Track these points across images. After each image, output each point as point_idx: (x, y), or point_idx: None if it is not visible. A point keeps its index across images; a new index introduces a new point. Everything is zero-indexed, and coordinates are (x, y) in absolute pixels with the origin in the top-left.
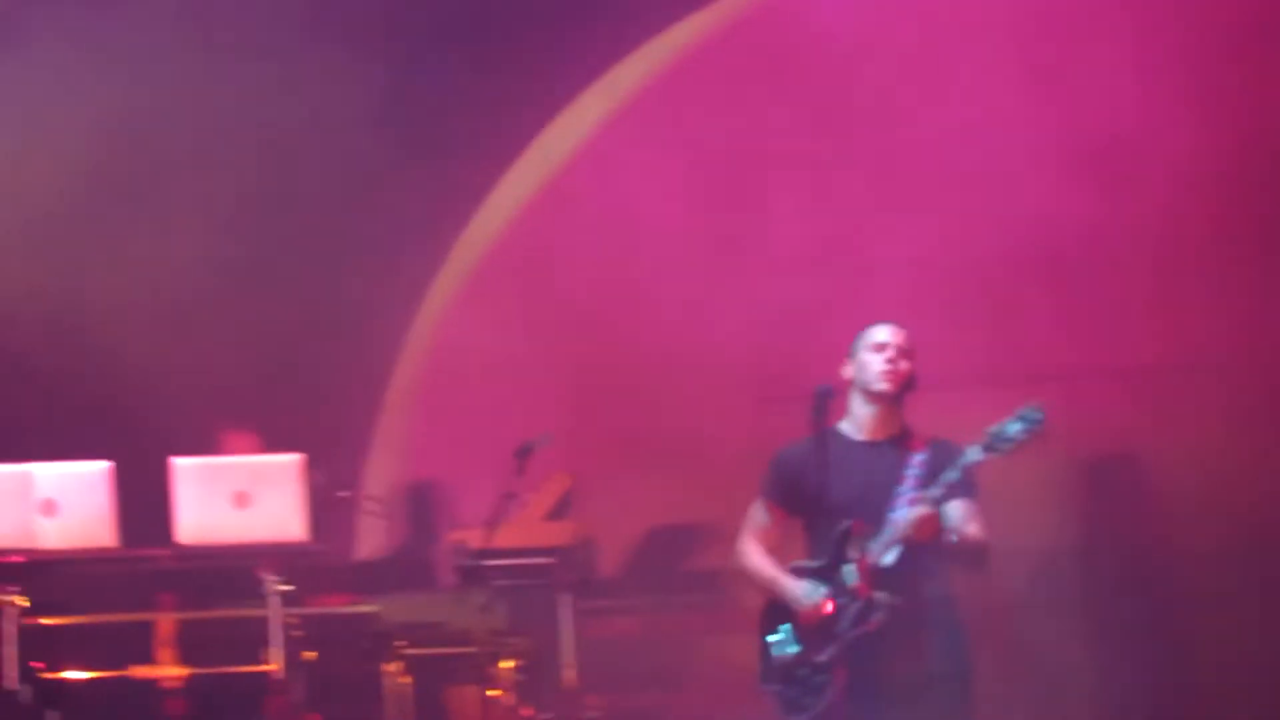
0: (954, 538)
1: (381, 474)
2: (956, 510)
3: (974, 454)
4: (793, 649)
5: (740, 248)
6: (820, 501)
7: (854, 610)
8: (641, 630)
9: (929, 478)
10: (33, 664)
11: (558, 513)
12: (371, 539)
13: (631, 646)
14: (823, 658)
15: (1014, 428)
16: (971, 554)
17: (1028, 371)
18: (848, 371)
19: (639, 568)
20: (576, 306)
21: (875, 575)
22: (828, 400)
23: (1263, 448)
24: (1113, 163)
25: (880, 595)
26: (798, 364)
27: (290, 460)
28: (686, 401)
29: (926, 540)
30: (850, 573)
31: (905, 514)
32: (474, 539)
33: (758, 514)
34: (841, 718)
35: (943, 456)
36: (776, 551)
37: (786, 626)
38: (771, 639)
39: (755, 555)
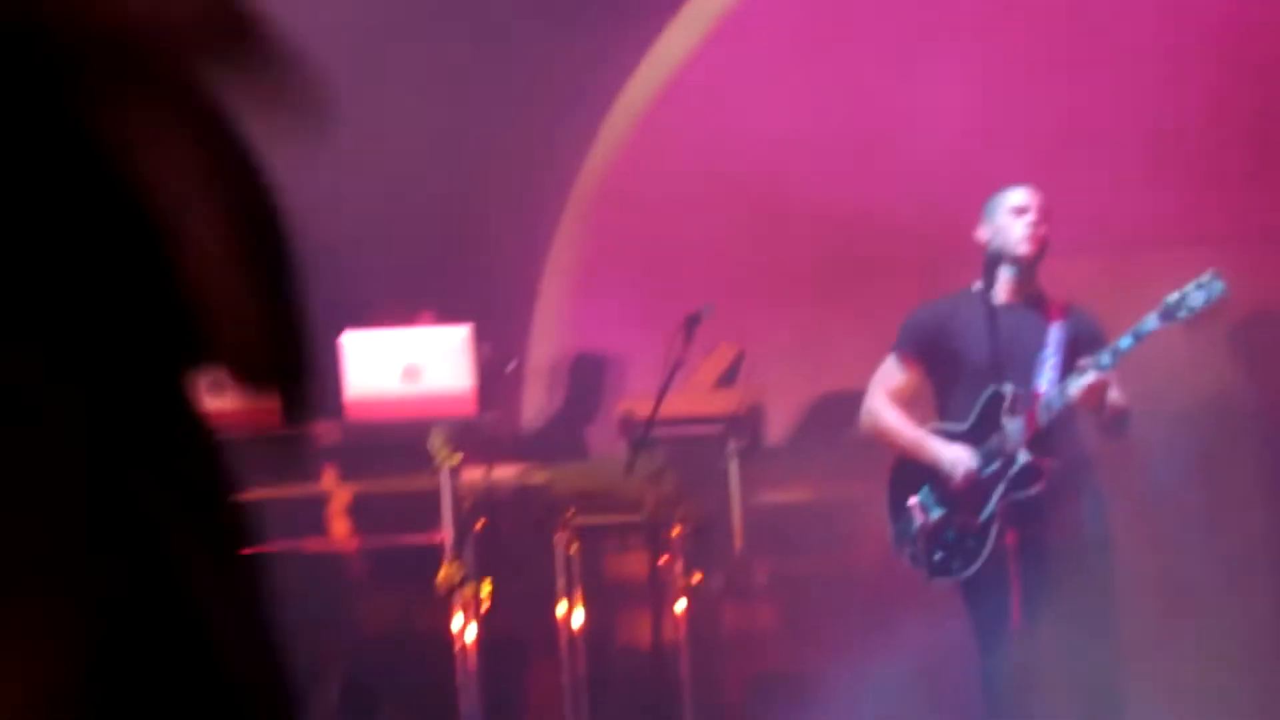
0: (1108, 405)
1: (548, 345)
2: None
3: (1151, 323)
4: (937, 512)
5: (906, 111)
6: (962, 360)
7: (1014, 474)
8: (810, 496)
9: (1071, 344)
10: None
11: (726, 381)
12: (539, 409)
13: (800, 512)
14: (977, 521)
15: (1195, 297)
16: (1119, 420)
17: (1170, 233)
18: (983, 235)
19: (808, 434)
20: (741, 171)
21: (1036, 440)
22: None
23: None
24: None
25: (1046, 460)
26: (967, 227)
27: (458, 331)
28: (853, 266)
29: (1090, 407)
30: (1014, 436)
31: (1077, 381)
32: (642, 408)
33: (891, 370)
34: (1005, 578)
35: (1082, 324)
36: (907, 410)
37: (927, 488)
38: (913, 500)
39: (893, 414)
